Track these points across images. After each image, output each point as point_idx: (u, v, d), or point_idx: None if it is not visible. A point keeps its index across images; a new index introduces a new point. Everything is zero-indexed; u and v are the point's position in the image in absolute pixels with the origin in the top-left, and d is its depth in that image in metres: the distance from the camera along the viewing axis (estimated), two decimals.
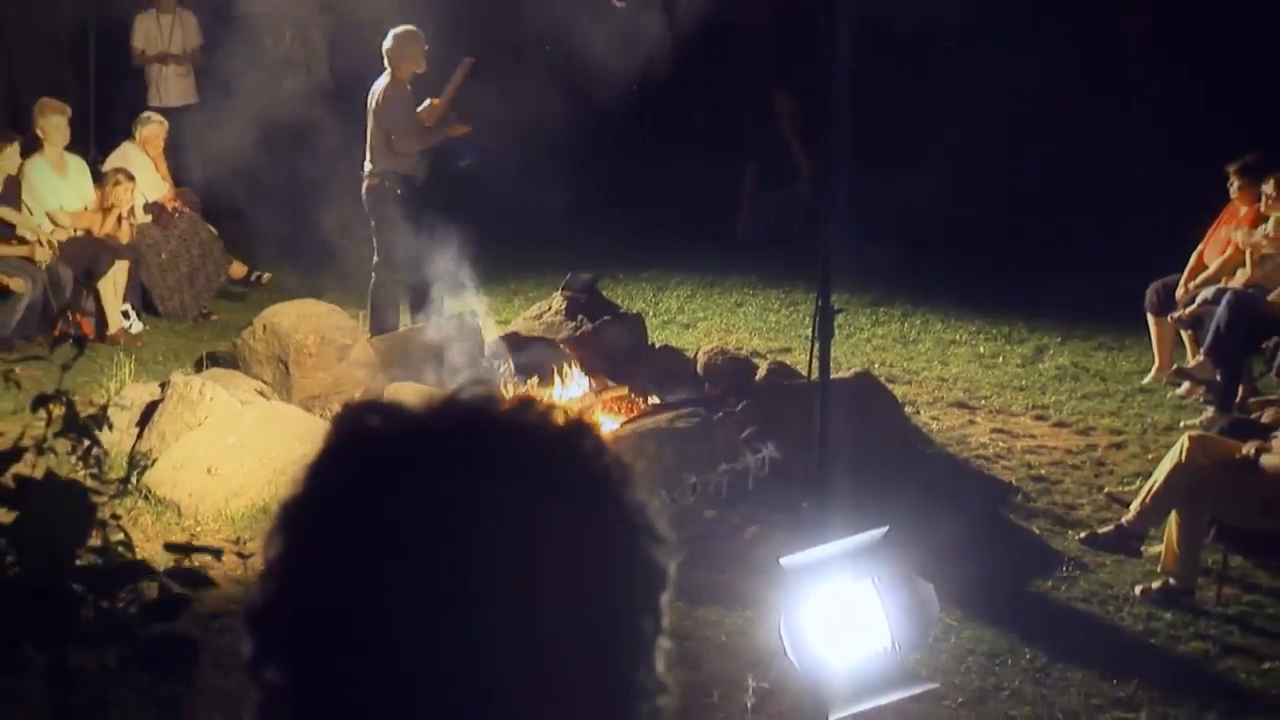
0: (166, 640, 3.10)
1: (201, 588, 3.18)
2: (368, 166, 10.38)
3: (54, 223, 11.03)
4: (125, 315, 11.19)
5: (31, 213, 11.06)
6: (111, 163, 11.55)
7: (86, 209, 11.21)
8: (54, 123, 11.25)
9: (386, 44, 10.26)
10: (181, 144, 12.69)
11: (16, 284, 10.44)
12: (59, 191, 11.20)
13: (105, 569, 3.11)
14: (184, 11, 13.47)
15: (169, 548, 3.30)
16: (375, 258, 10.53)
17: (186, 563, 3.48)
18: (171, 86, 13.39)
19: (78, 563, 3.05)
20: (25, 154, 11.20)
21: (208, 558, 7.23)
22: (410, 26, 10.33)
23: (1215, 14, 14.96)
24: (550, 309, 9.64)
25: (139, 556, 3.34)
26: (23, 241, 10.81)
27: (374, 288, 10.56)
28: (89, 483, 3.62)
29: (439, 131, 10.42)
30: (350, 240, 12.01)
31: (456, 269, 10.01)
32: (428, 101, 10.40)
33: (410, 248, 10.16)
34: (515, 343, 9.40)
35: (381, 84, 10.30)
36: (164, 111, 12.69)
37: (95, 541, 3.24)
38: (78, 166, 11.48)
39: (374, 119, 10.30)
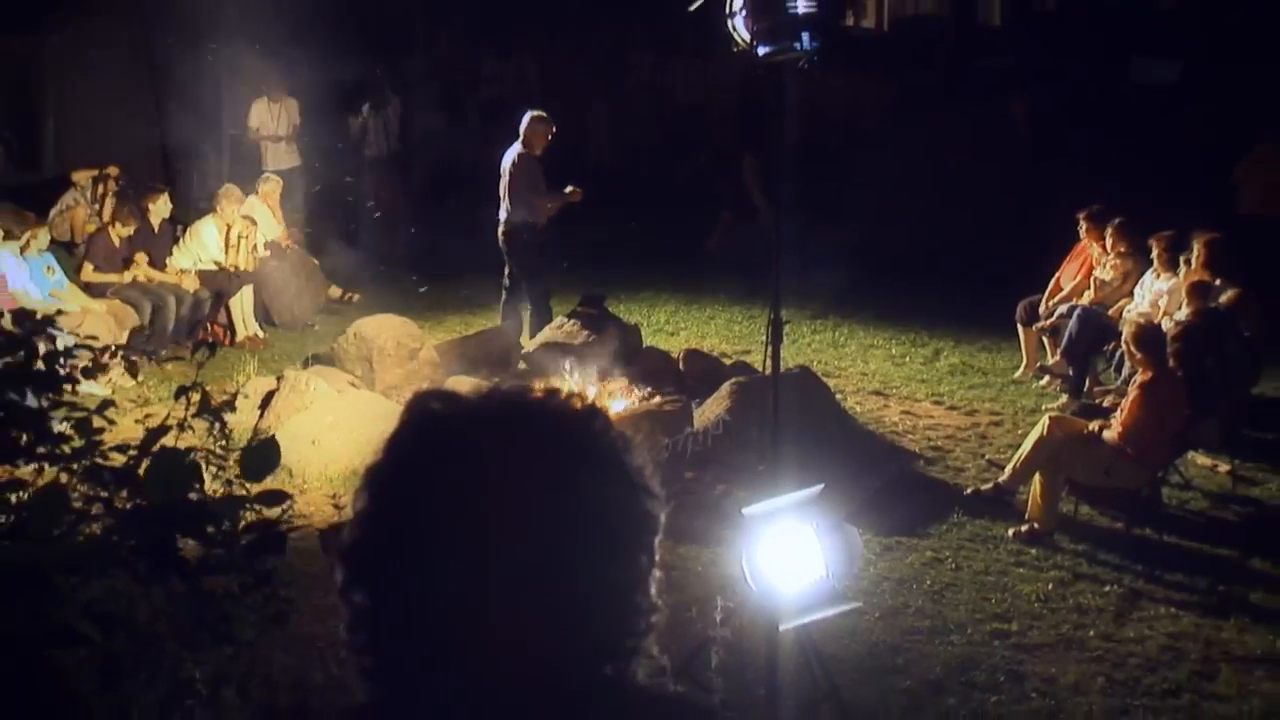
0: (264, 545, 3.10)
1: (278, 503, 3.16)
2: (503, 215, 10.09)
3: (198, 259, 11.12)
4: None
5: (186, 252, 11.10)
6: (242, 212, 11.58)
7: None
8: (232, 201, 11.35)
9: (523, 123, 10.00)
10: (290, 197, 12.71)
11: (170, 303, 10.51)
12: (212, 243, 11.23)
13: (223, 501, 3.11)
14: (288, 98, 13.46)
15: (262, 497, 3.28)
16: (506, 282, 10.39)
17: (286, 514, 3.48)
18: (280, 154, 13.37)
19: (193, 496, 3.05)
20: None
21: (311, 507, 7.27)
22: (541, 112, 10.12)
23: (1073, 100, 15.02)
24: (569, 321, 9.63)
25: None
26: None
27: (504, 305, 10.47)
28: (218, 452, 3.62)
29: (557, 199, 10.12)
30: (416, 270, 12.05)
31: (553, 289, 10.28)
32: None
33: (534, 277, 10.21)
34: (543, 348, 9.41)
35: (514, 154, 9.97)
36: (274, 173, 12.72)
37: (222, 493, 3.24)
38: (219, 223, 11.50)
39: (508, 180, 9.99)
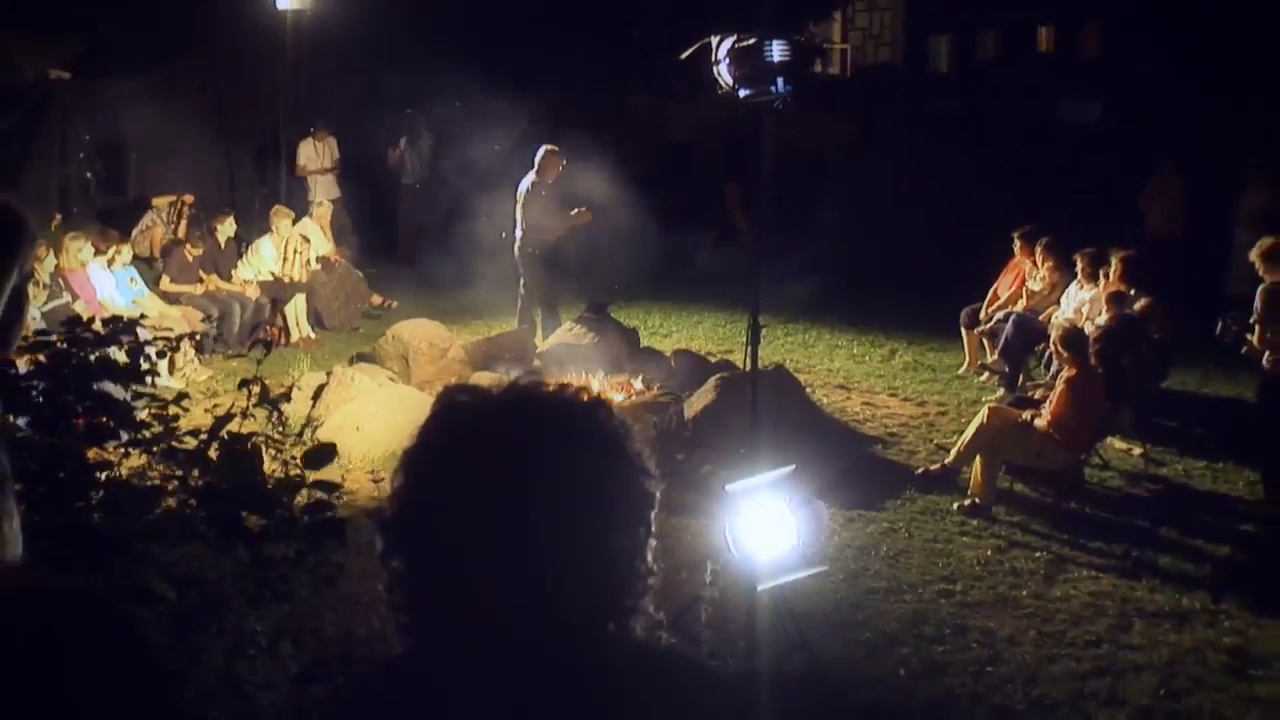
0: (323, 529, 3.11)
1: (331, 491, 3.19)
2: (518, 236, 10.09)
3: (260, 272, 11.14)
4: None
5: (248, 265, 11.13)
6: (298, 230, 11.63)
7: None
8: (283, 218, 11.43)
9: (538, 155, 10.00)
10: (335, 220, 12.75)
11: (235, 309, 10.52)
12: (269, 257, 11.24)
13: (284, 482, 3.13)
14: (329, 137, 13.51)
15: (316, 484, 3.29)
16: (522, 290, 10.41)
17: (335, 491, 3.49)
18: (324, 186, 13.42)
19: (259, 477, 3.08)
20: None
21: (355, 484, 7.25)
22: (553, 146, 10.11)
23: (1008, 135, 15.03)
24: (577, 325, 9.62)
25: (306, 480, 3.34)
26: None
27: (520, 310, 10.49)
28: (276, 437, 3.62)
29: (566, 221, 10.10)
30: (445, 281, 12.03)
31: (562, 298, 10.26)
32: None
33: (545, 287, 10.24)
34: (555, 348, 9.40)
35: (529, 181, 9.96)
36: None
37: (280, 473, 3.25)
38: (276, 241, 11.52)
39: (522, 205, 9.97)
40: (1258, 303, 6.90)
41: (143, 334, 3.51)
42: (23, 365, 3.15)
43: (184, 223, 11.43)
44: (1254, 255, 7.08)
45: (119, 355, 3.34)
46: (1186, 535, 6.72)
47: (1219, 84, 13.70)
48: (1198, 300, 9.59)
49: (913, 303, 11.74)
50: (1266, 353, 6.82)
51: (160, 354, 3.62)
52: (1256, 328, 6.90)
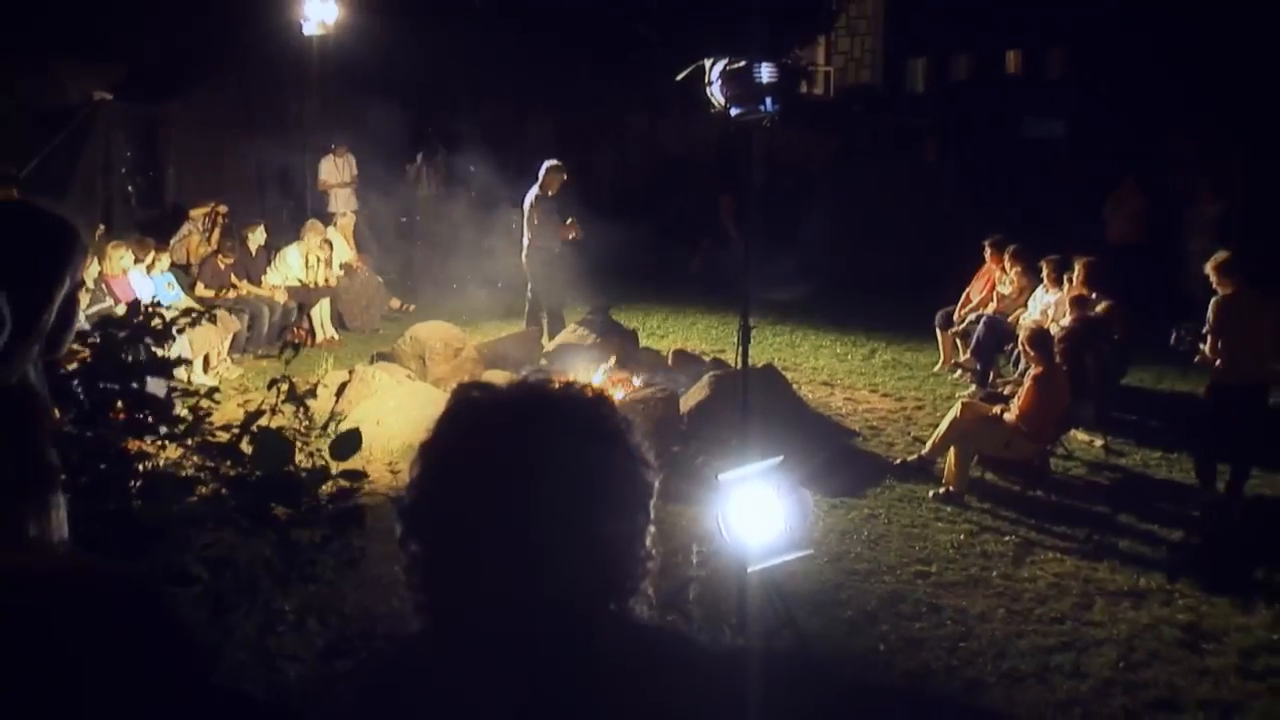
0: (346, 517, 3.10)
1: (356, 479, 3.17)
2: (525, 242, 10.13)
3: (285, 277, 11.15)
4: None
5: (276, 271, 11.14)
6: (323, 239, 11.64)
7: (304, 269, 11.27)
8: (315, 230, 11.48)
9: (542, 170, 10.04)
10: (359, 230, 12.74)
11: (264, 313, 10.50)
12: (295, 262, 11.24)
13: (311, 473, 3.12)
14: (349, 154, 13.49)
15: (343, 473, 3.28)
16: (529, 294, 10.42)
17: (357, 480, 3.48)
18: (343, 199, 13.40)
19: (289, 468, 3.06)
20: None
21: (375, 474, 7.23)
22: (556, 161, 10.16)
23: (979, 150, 15.02)
24: (580, 327, 9.62)
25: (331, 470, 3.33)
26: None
27: (528, 313, 10.48)
28: (302, 430, 3.61)
29: (563, 233, 10.17)
30: (459, 288, 12.02)
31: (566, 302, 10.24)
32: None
33: (550, 292, 10.23)
34: (560, 348, 9.39)
35: (533, 195, 10.03)
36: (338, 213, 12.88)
37: (307, 464, 3.24)
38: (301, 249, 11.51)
39: (527, 216, 10.04)
40: (1210, 314, 6.75)
41: (168, 315, 3.48)
42: (68, 364, 3.15)
43: (218, 232, 11.41)
44: (1209, 268, 6.90)
45: (156, 349, 3.33)
46: (1144, 520, 6.72)
47: (1172, 104, 13.71)
48: (1155, 303, 9.61)
49: (891, 305, 11.74)
50: (1217, 361, 6.73)
51: (180, 331, 3.60)
52: (1209, 338, 6.77)
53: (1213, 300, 6.77)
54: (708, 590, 5.08)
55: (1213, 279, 6.84)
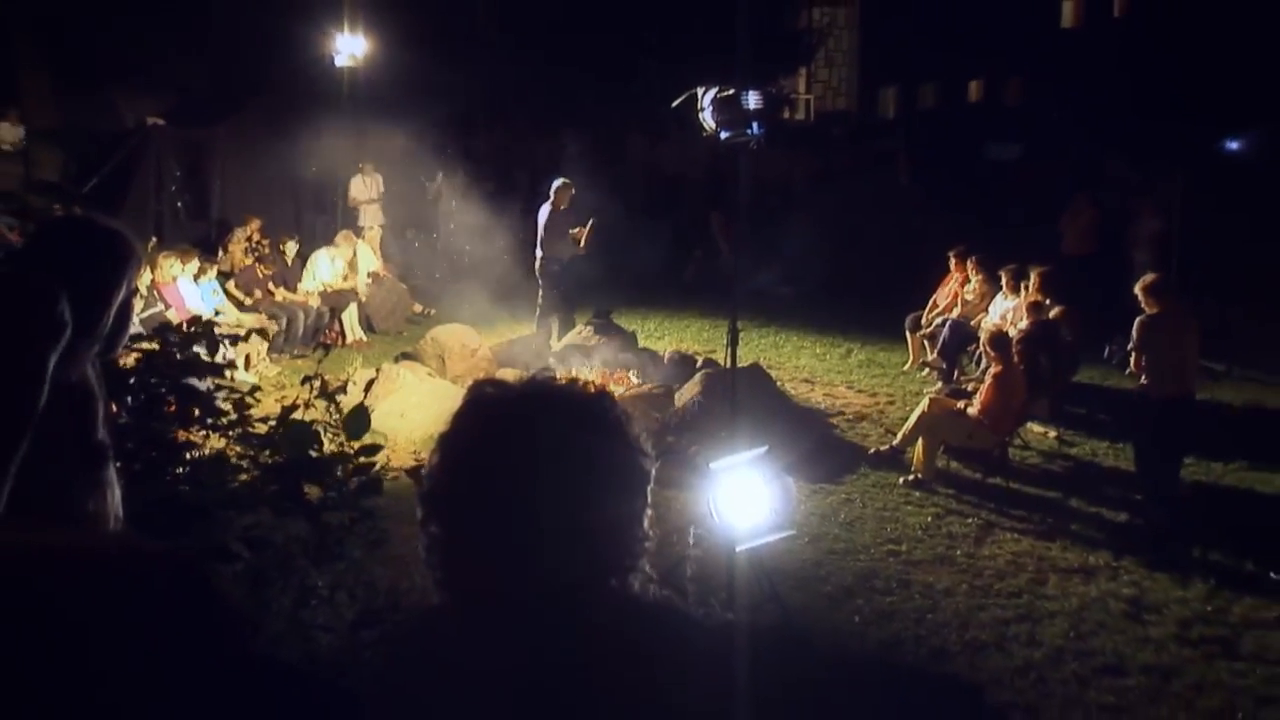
0: (367, 486, 3.10)
1: (375, 453, 3.17)
2: (539, 253, 10.07)
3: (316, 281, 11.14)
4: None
5: (311, 278, 11.12)
6: (350, 249, 11.65)
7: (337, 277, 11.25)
8: (348, 240, 11.52)
9: (553, 188, 9.99)
10: (386, 242, 12.73)
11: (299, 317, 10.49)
12: (325, 269, 11.23)
13: (337, 456, 3.11)
14: (376, 173, 13.45)
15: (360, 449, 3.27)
16: (540, 301, 10.35)
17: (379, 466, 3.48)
18: (371, 214, 13.37)
19: (314, 453, 3.06)
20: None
21: (399, 462, 7.21)
22: (566, 179, 10.08)
23: (943, 170, 15.04)
24: (585, 329, 9.61)
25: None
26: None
27: (538, 317, 10.42)
28: (332, 423, 3.60)
29: (572, 241, 10.09)
30: (475, 295, 12.00)
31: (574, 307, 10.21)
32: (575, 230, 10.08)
33: (560, 298, 10.19)
34: (566, 348, 9.39)
35: (546, 210, 9.97)
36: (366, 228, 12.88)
37: (335, 449, 3.23)
38: (332, 255, 11.50)
39: (541, 229, 9.98)
40: (1134, 332, 6.59)
41: (219, 332, 3.50)
42: (125, 362, 3.15)
43: (265, 241, 11.40)
44: (1138, 289, 6.72)
45: (202, 353, 3.33)
46: (1092, 504, 6.71)
47: (1117, 128, 13.72)
48: (1105, 309, 9.60)
49: (866, 310, 11.73)
50: (1143, 377, 6.64)
51: (233, 342, 3.61)
52: (1134, 354, 6.68)
53: (1137, 319, 6.61)
54: (700, 567, 5.07)
55: (1141, 299, 6.67)
